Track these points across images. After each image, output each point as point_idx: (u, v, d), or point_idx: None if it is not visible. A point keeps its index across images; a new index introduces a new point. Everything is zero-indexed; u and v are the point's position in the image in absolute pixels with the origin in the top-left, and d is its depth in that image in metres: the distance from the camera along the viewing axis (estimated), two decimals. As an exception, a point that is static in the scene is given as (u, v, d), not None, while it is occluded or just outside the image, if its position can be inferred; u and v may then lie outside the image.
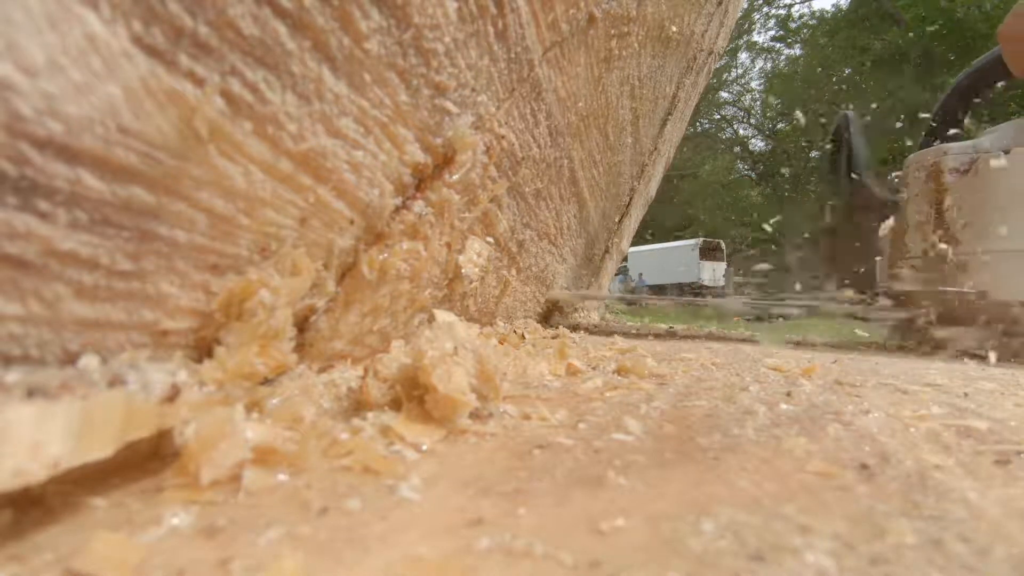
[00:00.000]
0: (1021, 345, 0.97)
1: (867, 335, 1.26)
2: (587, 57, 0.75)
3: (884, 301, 1.17)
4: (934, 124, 1.33)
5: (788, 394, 0.55)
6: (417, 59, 0.44)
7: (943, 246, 1.06)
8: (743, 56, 14.12)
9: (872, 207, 1.29)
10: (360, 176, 0.43)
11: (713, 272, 11.77)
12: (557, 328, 1.12)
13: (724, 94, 14.55)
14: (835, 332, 1.56)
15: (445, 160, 0.54)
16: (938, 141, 1.17)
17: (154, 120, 0.27)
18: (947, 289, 1.04)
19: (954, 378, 0.69)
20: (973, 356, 0.97)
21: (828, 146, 1.53)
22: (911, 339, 1.14)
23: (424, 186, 0.53)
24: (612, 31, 0.77)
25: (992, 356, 0.91)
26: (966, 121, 1.29)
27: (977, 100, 1.29)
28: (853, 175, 1.37)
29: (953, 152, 1.08)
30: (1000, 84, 1.27)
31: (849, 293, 1.26)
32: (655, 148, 1.33)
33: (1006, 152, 1.01)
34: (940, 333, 1.05)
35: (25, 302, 0.25)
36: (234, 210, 0.34)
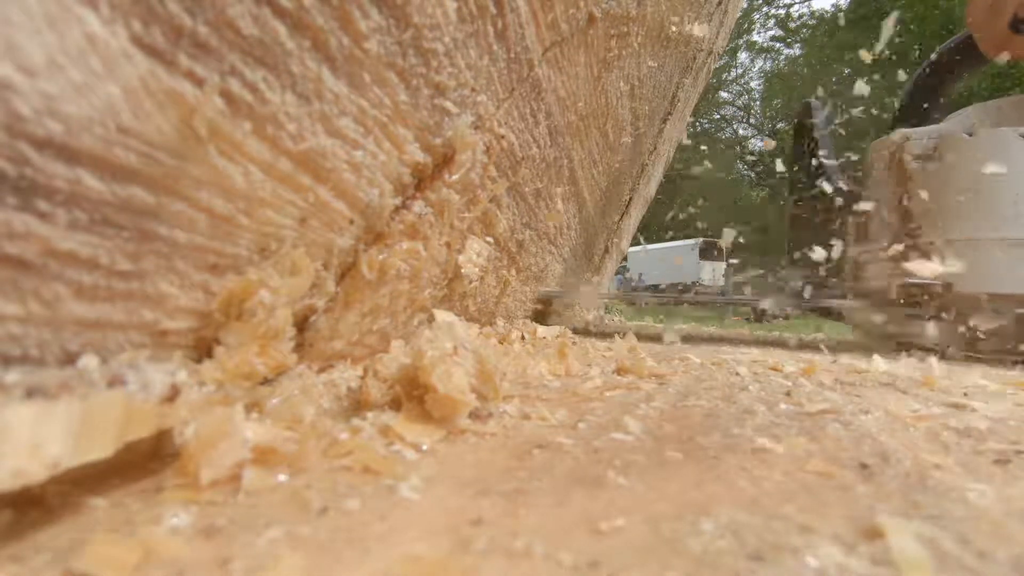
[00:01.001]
0: (987, 340, 0.92)
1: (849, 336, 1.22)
2: (587, 57, 0.75)
3: (850, 297, 1.12)
4: (901, 110, 1.28)
5: (788, 394, 0.55)
6: (417, 59, 0.44)
7: (906, 236, 1.01)
8: (743, 56, 14.12)
9: (837, 197, 1.24)
10: (360, 176, 0.43)
11: (713, 272, 11.77)
12: (556, 328, 1.12)
13: (724, 94, 14.55)
14: (832, 331, 1.56)
15: (445, 160, 0.54)
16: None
17: (154, 120, 0.27)
18: (911, 282, 0.98)
19: (954, 378, 0.69)
20: (931, 352, 0.91)
21: (791, 133, 1.44)
22: (876, 336, 1.10)
23: (424, 186, 0.53)
24: (612, 31, 0.77)
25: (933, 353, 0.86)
26: (936, 105, 1.23)
27: (946, 84, 1.23)
28: (817, 165, 1.30)
29: (915, 137, 1.03)
30: (969, 66, 1.21)
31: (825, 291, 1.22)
32: (655, 148, 1.33)
33: (970, 135, 0.96)
34: (903, 328, 1.00)
35: (25, 302, 0.25)
36: (234, 210, 0.34)
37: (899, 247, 1.03)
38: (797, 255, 1.36)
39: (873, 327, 1.10)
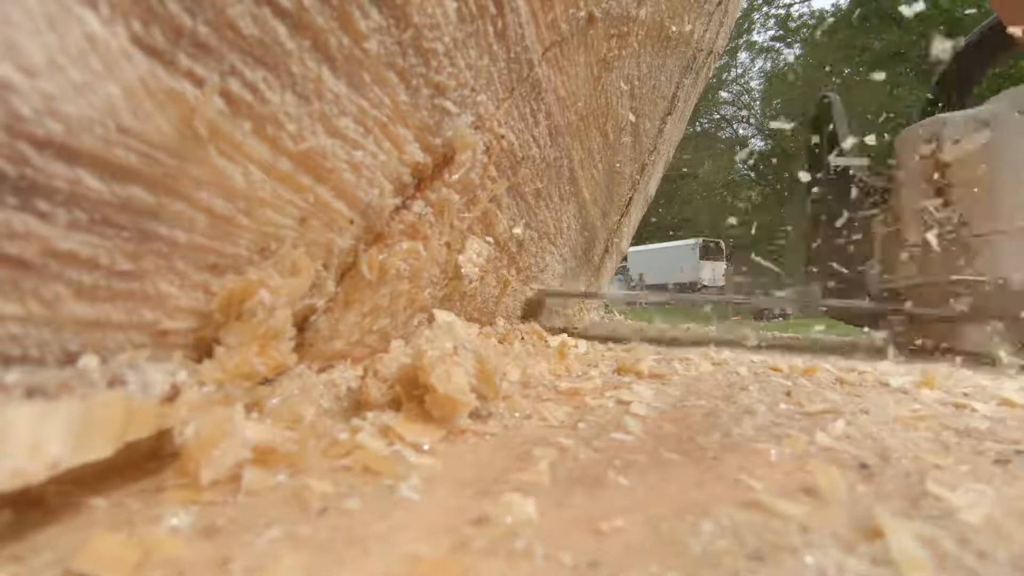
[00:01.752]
0: None
1: (867, 335, 1.17)
2: (587, 57, 0.75)
3: (880, 300, 1.06)
4: (930, 100, 1.21)
5: (788, 394, 0.55)
6: (417, 59, 0.44)
7: (947, 230, 0.92)
8: (743, 56, 14.12)
9: (860, 196, 1.16)
10: (360, 176, 0.43)
11: (713, 272, 11.77)
12: (556, 329, 1.12)
13: (724, 94, 14.55)
14: (834, 332, 1.55)
15: (445, 160, 0.54)
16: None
17: (154, 120, 0.27)
18: (957, 279, 0.89)
19: (954, 378, 0.69)
20: (976, 357, 0.84)
21: (809, 131, 1.37)
22: (916, 340, 1.02)
23: (424, 186, 0.53)
24: (612, 31, 0.77)
25: (1004, 357, 0.78)
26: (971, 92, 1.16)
27: (976, 72, 1.16)
28: (836, 162, 1.22)
29: (954, 122, 0.94)
30: (1002, 51, 1.12)
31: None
32: (655, 148, 1.33)
33: (1022, 113, 0.87)
34: (950, 332, 0.92)
35: (25, 302, 0.25)
36: (234, 210, 0.34)
37: (939, 242, 0.94)
38: (815, 255, 1.30)
39: (907, 330, 1.01)
